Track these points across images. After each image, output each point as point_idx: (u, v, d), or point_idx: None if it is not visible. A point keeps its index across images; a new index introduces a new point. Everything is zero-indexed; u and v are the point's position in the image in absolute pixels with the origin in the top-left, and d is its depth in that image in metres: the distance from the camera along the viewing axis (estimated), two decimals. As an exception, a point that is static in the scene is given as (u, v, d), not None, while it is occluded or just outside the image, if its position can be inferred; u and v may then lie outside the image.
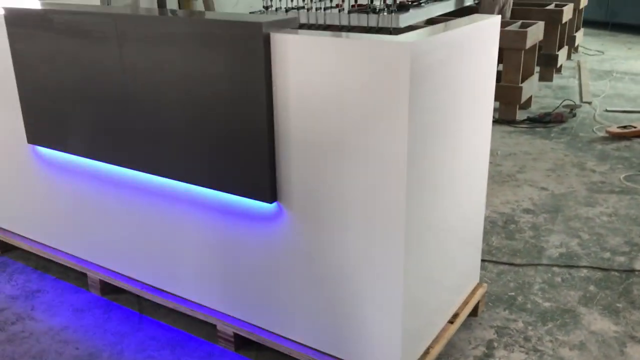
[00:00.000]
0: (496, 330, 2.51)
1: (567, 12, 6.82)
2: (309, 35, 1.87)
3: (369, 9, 5.65)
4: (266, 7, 5.93)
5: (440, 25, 2.05)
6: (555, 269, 2.97)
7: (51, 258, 2.92)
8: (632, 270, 2.95)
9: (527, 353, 2.38)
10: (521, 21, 5.71)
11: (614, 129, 4.95)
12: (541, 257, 3.08)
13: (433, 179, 2.01)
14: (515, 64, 5.24)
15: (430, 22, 6.10)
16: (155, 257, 2.54)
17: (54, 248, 2.93)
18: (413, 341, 2.10)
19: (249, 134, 2.01)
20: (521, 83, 5.33)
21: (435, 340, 2.25)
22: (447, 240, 2.24)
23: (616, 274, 2.93)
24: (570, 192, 3.86)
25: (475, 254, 2.57)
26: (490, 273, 2.92)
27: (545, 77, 6.78)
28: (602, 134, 4.99)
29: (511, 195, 3.83)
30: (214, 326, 2.39)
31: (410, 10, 5.74)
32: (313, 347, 2.20)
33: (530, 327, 2.52)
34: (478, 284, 2.61)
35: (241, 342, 2.36)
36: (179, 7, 6.65)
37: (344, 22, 5.64)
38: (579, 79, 6.96)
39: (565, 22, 6.96)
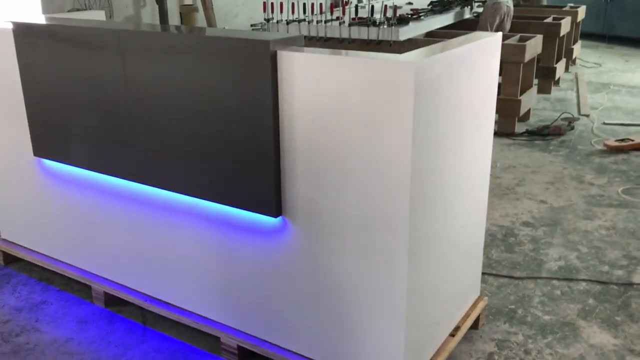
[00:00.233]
0: (497, 343, 2.53)
1: (565, 25, 6.89)
2: (315, 53, 1.91)
3: (369, 22, 5.71)
4: (267, 20, 5.98)
5: (443, 44, 2.09)
6: (555, 282, 3.00)
7: (55, 270, 2.95)
8: (631, 284, 2.98)
9: (527, 366, 2.40)
10: (520, 34, 5.77)
11: (612, 142, 5.00)
12: (541, 270, 3.11)
13: (435, 193, 2.05)
14: (514, 77, 5.29)
15: (430, 35, 6.16)
16: (159, 269, 2.56)
17: (58, 260, 2.95)
18: (415, 354, 2.13)
19: (255, 149, 2.05)
20: (520, 96, 5.39)
21: (437, 353, 2.27)
22: (449, 253, 2.28)
23: (615, 287, 2.96)
24: (569, 205, 3.90)
25: (476, 267, 2.60)
26: (490, 286, 2.95)
27: (543, 89, 6.84)
28: (600, 146, 5.03)
29: (511, 208, 3.87)
30: (218, 338, 2.41)
31: (410, 24, 5.80)
32: (316, 359, 2.23)
33: (530, 340, 2.55)
34: (479, 297, 2.63)
35: (245, 355, 2.38)
36: (181, 19, 6.71)
37: (345, 35, 5.70)
38: (577, 91, 7.02)
39: (563, 35, 7.03)
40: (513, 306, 2.79)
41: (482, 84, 2.25)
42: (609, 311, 2.76)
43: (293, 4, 6.12)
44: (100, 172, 2.56)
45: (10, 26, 2.62)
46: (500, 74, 5.27)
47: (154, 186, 2.39)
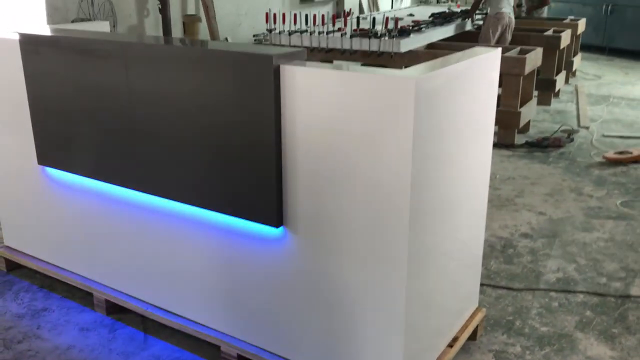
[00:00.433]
0: (495, 355, 2.55)
1: (565, 38, 6.94)
2: (317, 68, 1.94)
3: (370, 34, 5.75)
4: (270, 30, 6.04)
5: (443, 59, 2.13)
6: (553, 293, 3.02)
7: (57, 277, 2.97)
8: (628, 296, 3.00)
9: (525, 377, 2.42)
10: (520, 47, 5.82)
11: (611, 154, 5.03)
12: (539, 282, 3.13)
13: (435, 204, 2.08)
14: (514, 89, 5.33)
15: (431, 46, 6.21)
16: (160, 277, 2.59)
17: (60, 267, 2.98)
18: (413, 365, 2.15)
19: (257, 160, 2.08)
20: (520, 108, 5.43)
21: (435, 364, 2.30)
22: (448, 264, 2.30)
23: (612, 299, 2.98)
24: (568, 217, 3.93)
25: (474, 278, 2.62)
26: (489, 297, 2.98)
27: (543, 101, 6.88)
28: (599, 159, 5.07)
29: (510, 219, 3.89)
30: (218, 347, 2.43)
31: (411, 35, 5.85)
32: (315, 369, 2.25)
33: (528, 352, 2.57)
34: (477, 308, 2.66)
35: (244, 363, 2.40)
36: (184, 29, 6.76)
37: (346, 46, 5.75)
38: (577, 103, 7.07)
39: (564, 48, 7.08)
40: (511, 317, 2.81)
41: (481, 98, 2.29)
42: (607, 323, 2.78)
43: (295, 15, 6.18)
44: (103, 181, 2.59)
45: (17, 37, 2.66)
46: (500, 86, 5.35)
47: (156, 195, 2.42)
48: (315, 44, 5.83)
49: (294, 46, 5.81)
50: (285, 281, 2.22)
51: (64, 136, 2.66)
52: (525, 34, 6.98)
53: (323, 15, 6.42)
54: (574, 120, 6.35)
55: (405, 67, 5.69)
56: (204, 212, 2.32)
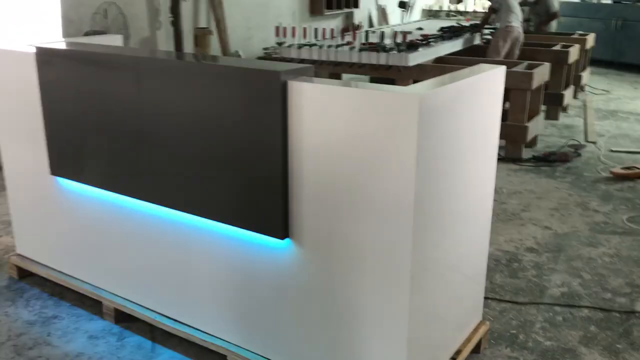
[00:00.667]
0: (498, 368, 2.57)
1: (574, 53, 6.97)
2: (323, 84, 1.99)
3: (379, 47, 5.82)
4: (279, 43, 6.11)
5: (448, 75, 2.17)
6: (557, 308, 3.04)
7: (67, 285, 3.02)
8: (633, 312, 3.01)
9: (527, 391, 2.44)
10: (528, 62, 5.86)
11: (618, 170, 5.04)
12: (543, 296, 3.15)
13: (438, 219, 2.11)
14: (521, 103, 5.36)
15: (439, 60, 6.25)
16: (169, 286, 2.63)
17: (70, 275, 3.03)
18: (416, 377, 2.17)
19: (264, 174, 2.13)
20: (527, 122, 5.45)
21: (438, 376, 2.32)
22: (452, 277, 2.33)
23: (617, 314, 2.99)
24: (574, 232, 3.94)
25: (478, 291, 2.65)
26: (493, 311, 3.00)
27: (551, 115, 6.91)
28: (606, 174, 5.08)
29: (515, 233, 3.91)
30: (225, 357, 2.47)
31: (420, 49, 5.90)
32: (320, 379, 2.28)
33: (531, 366, 2.59)
34: (481, 321, 2.68)
35: (250, 373, 2.43)
36: (195, 42, 6.85)
37: (355, 60, 5.81)
38: (585, 118, 7.08)
39: (572, 62, 7.10)
40: (515, 331, 2.83)
41: (485, 114, 2.33)
42: (611, 339, 2.79)
43: (305, 28, 6.26)
44: (114, 192, 2.64)
45: (33, 50, 2.74)
46: (507, 100, 5.38)
47: (165, 206, 2.47)
48: (324, 58, 5.89)
49: (303, 59, 5.88)
50: (290, 292, 2.25)
51: (76, 147, 2.72)
52: (534, 48, 7.01)
53: (332, 29, 6.50)
54: (581, 135, 6.36)
55: (414, 80, 5.74)
56: (212, 223, 2.37)
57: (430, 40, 6.47)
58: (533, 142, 5.86)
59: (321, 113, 1.99)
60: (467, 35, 7.22)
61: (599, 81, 9.26)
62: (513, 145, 5.47)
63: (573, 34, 8.40)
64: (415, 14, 12.61)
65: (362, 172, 1.95)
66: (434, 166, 1.99)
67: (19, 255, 3.27)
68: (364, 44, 6.04)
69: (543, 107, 6.31)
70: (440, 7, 13.52)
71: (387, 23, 10.96)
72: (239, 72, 2.13)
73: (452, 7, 13.47)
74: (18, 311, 2.93)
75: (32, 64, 2.75)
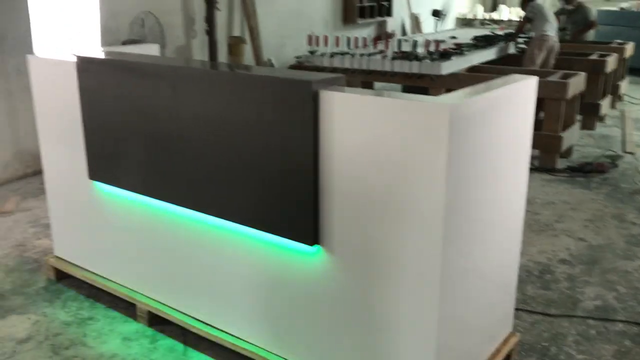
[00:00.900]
0: (528, 380, 2.55)
1: (611, 62, 6.85)
2: (354, 94, 2.02)
3: (411, 56, 5.82)
4: (312, 52, 6.17)
5: (481, 86, 2.17)
6: (590, 321, 2.99)
7: (102, 287, 3.10)
8: (669, 327, 2.95)
9: (558, 405, 2.40)
10: (563, 71, 5.78)
11: (656, 181, 4.93)
12: (576, 309, 3.10)
13: (469, 228, 2.11)
14: (556, 113, 5.30)
15: (472, 69, 6.22)
16: (200, 290, 2.68)
17: (105, 278, 3.11)
18: (445, 386, 2.17)
19: (295, 181, 2.16)
20: (562, 132, 5.38)
21: (467, 387, 2.31)
22: (482, 287, 2.32)
23: (652, 329, 2.93)
24: (609, 244, 3.87)
25: (509, 302, 2.63)
26: (524, 322, 2.96)
27: (587, 125, 6.80)
28: (643, 185, 4.98)
29: (548, 244, 3.86)
30: (254, 361, 2.50)
31: (452, 58, 5.88)
32: (348, 386, 2.29)
33: (562, 379, 2.55)
34: (511, 332, 2.66)
35: (279, 378, 2.46)
36: (229, 50, 6.95)
37: (387, 68, 5.82)
38: (623, 128, 6.94)
39: (609, 72, 6.98)
40: (546, 344, 2.80)
41: (517, 124, 2.32)
42: (646, 353, 2.74)
43: (337, 37, 6.30)
44: (149, 197, 2.71)
45: (74, 59, 2.83)
46: (542, 110, 5.32)
47: (198, 211, 2.53)
48: (356, 66, 5.92)
49: (335, 68, 5.92)
50: (320, 298, 2.28)
51: (113, 153, 2.80)
52: (570, 58, 6.92)
53: (365, 38, 6.53)
54: (619, 145, 6.24)
55: (446, 90, 5.73)
56: (244, 229, 2.41)
57: (463, 49, 6.44)
58: (568, 152, 5.78)
59: (352, 122, 2.01)
60: (501, 44, 7.16)
61: (638, 91, 9.07)
62: (547, 155, 5.41)
63: (611, 42, 8.26)
64: (449, 23, 12.56)
65: (393, 181, 1.97)
66: (465, 176, 1.99)
67: (57, 257, 3.36)
68: (396, 52, 6.05)
69: (579, 117, 6.22)
70: (475, 15, 13.43)
71: (420, 32, 10.94)
72: (272, 82, 2.17)
73: (487, 16, 13.37)
74: (55, 312, 3.02)
75: (73, 73, 2.84)
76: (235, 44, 6.99)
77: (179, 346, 2.73)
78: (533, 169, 5.13)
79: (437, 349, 2.03)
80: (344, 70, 5.85)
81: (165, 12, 6.20)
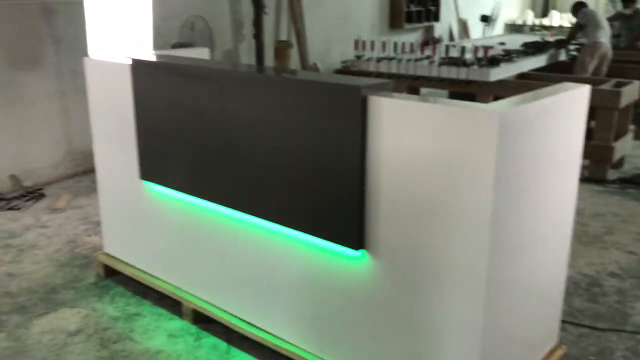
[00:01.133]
0: (574, 395, 2.49)
1: (667, 71, 6.63)
2: (403, 100, 2.02)
3: (459, 62, 5.76)
4: (358, 57, 6.18)
5: (531, 94, 2.15)
6: (641, 337, 2.90)
7: (149, 285, 3.18)
8: None
9: (605, 421, 2.34)
10: (616, 80, 5.63)
11: None
12: (625, 324, 3.01)
13: (516, 237, 2.08)
14: (607, 122, 5.16)
15: (522, 76, 6.12)
16: (245, 291, 2.72)
17: (153, 275, 3.18)
18: (488, 397, 2.14)
19: (342, 186, 2.17)
20: (614, 142, 5.24)
21: (510, 399, 2.27)
22: (527, 298, 2.29)
23: None
24: (661, 258, 3.75)
25: (555, 314, 2.58)
26: (570, 335, 2.90)
27: (640, 135, 6.59)
28: (699, 199, 4.80)
29: (597, 257, 3.77)
30: (295, 363, 2.52)
31: (501, 65, 5.80)
32: (389, 392, 2.29)
33: (610, 395, 2.49)
34: (557, 345, 2.60)
35: (320, 381, 2.47)
36: (275, 54, 7.03)
37: (434, 74, 5.79)
38: (678, 139, 6.70)
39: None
40: (593, 358, 2.73)
41: (568, 133, 2.28)
42: (699, 373, 2.64)
43: (384, 42, 6.30)
44: (198, 197, 2.77)
45: (129, 61, 2.92)
46: (593, 119, 5.19)
47: (244, 212, 2.57)
48: (402, 71, 5.90)
49: (381, 73, 5.91)
50: (363, 303, 2.28)
51: (164, 154, 2.87)
52: (623, 65, 6.73)
53: (412, 43, 6.50)
54: (673, 156, 6.03)
55: (494, 96, 5.65)
56: (289, 231, 2.43)
57: (512, 55, 6.35)
58: (619, 163, 5.61)
59: (400, 128, 2.01)
60: (551, 51, 7.03)
61: (695, 100, 8.74)
62: (597, 165, 5.27)
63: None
64: (498, 29, 12.38)
65: (440, 188, 1.96)
66: (513, 184, 1.97)
67: (106, 254, 3.46)
68: (444, 58, 6.01)
69: (632, 127, 6.03)
70: (524, 21, 13.20)
71: (468, 37, 10.82)
72: (321, 86, 2.20)
73: (537, 22, 13.12)
74: (104, 307, 3.11)
75: (127, 75, 2.93)
76: (281, 48, 7.06)
77: (222, 345, 2.78)
78: (582, 180, 5.00)
79: (481, 357, 2.01)
80: (390, 76, 5.83)
81: (214, 16, 6.32)
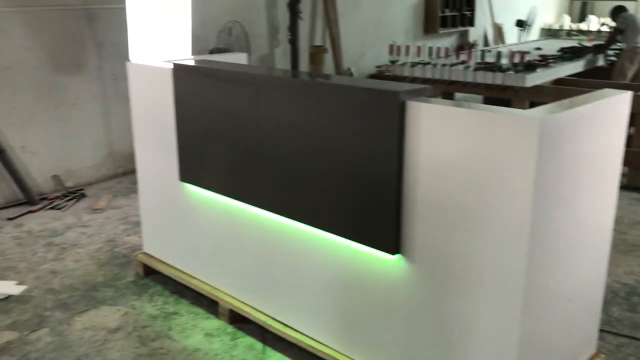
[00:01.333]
0: (612, 405, 2.46)
1: None
2: (441, 105, 2.04)
3: (495, 67, 5.72)
4: (393, 62, 6.19)
5: (570, 100, 2.14)
6: (681, 348, 2.85)
7: (187, 284, 3.24)
8: None
9: None
10: (657, 85, 5.52)
11: None
12: (666, 334, 2.96)
13: (554, 244, 2.08)
14: (647, 129, 5.06)
15: (558, 82, 6.05)
16: (281, 292, 2.76)
17: (190, 275, 3.25)
18: (523, 404, 2.13)
19: (379, 190, 2.20)
20: (654, 149, 5.14)
21: (547, 406, 2.26)
22: (565, 306, 2.27)
23: None
24: (703, 269, 3.67)
25: (593, 323, 2.55)
26: (608, 344, 2.86)
27: (681, 143, 6.43)
28: None
29: (636, 265, 3.70)
30: (330, 364, 2.55)
31: (538, 70, 5.74)
32: (423, 396, 2.30)
33: (649, 406, 2.45)
34: (595, 354, 2.57)
35: (354, 383, 2.49)
36: (310, 59, 7.08)
37: (469, 79, 5.75)
38: None
39: None
40: (632, 368, 2.69)
41: (608, 141, 2.26)
42: None
43: (419, 47, 6.29)
44: (235, 199, 2.82)
45: (171, 66, 2.99)
46: (633, 125, 5.09)
47: (280, 215, 2.61)
48: (437, 76, 5.89)
49: (416, 78, 5.91)
50: (399, 307, 2.30)
51: (203, 156, 2.93)
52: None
53: (447, 48, 6.48)
54: None
55: (531, 102, 5.60)
56: (326, 234, 2.46)
57: (549, 60, 6.27)
58: (660, 171, 5.49)
59: (438, 133, 2.03)
60: (589, 56, 6.92)
61: None
62: (636, 172, 5.17)
63: None
64: (534, 34, 12.23)
65: (478, 193, 1.97)
66: (551, 191, 1.96)
67: (145, 253, 3.54)
68: (479, 63, 5.97)
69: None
70: (561, 26, 13.00)
71: (503, 42, 10.71)
72: (359, 91, 2.22)
73: (574, 27, 12.92)
74: (143, 305, 3.18)
75: (169, 79, 3.00)
76: (316, 53, 7.11)
77: (258, 345, 2.82)
78: (621, 187, 4.92)
79: (517, 364, 2.01)
80: (425, 81, 5.83)
81: (251, 21, 6.40)
